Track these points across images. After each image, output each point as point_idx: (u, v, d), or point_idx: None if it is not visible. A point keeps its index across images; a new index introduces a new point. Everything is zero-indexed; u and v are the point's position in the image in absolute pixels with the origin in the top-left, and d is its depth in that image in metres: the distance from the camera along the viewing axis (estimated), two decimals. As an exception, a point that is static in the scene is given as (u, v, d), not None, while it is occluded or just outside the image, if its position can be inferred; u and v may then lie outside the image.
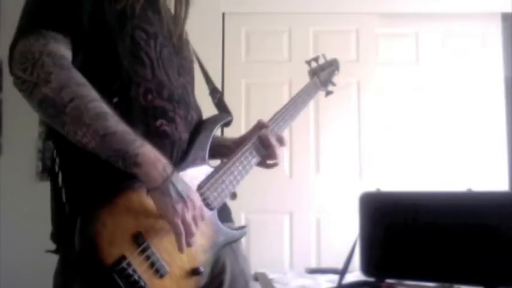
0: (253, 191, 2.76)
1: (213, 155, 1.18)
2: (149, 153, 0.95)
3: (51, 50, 0.94)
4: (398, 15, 3.13)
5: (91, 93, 0.94)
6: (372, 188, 1.98)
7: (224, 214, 1.17)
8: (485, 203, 1.72)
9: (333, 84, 1.61)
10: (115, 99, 1.01)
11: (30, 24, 0.97)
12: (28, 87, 0.93)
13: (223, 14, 3.08)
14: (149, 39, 1.07)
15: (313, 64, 1.57)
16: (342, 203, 2.88)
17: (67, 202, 1.02)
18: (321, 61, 1.58)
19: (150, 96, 1.05)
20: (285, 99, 3.02)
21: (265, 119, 1.31)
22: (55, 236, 1.04)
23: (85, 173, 1.00)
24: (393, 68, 3.13)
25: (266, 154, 1.24)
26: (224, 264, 1.13)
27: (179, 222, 0.95)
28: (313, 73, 1.55)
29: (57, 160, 1.05)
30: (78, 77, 0.95)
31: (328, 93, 1.61)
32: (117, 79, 1.03)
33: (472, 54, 3.16)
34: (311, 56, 3.34)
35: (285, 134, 1.32)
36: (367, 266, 1.86)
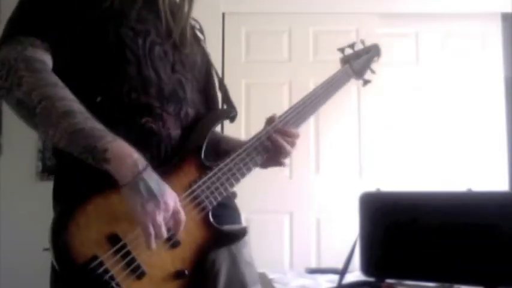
0: (253, 191, 2.76)
1: (222, 153, 1.15)
2: (119, 148, 0.93)
3: (26, 56, 0.96)
4: (398, 15, 3.13)
5: (60, 93, 0.95)
6: (372, 188, 1.98)
7: (227, 215, 1.15)
8: (485, 203, 1.72)
9: (373, 71, 1.47)
10: (98, 99, 1.02)
11: (10, 33, 1.00)
12: (3, 94, 0.96)
13: (223, 14, 3.08)
14: (136, 37, 1.06)
15: (348, 51, 1.42)
16: (342, 203, 2.87)
17: (56, 202, 1.04)
18: (358, 47, 1.45)
19: (134, 94, 1.04)
20: (285, 99, 3.07)
21: (265, 119, 1.30)
22: None
23: (67, 173, 1.01)
24: (393, 68, 3.12)
25: (273, 151, 1.17)
26: (220, 268, 1.09)
27: (148, 223, 0.91)
28: (346, 61, 1.41)
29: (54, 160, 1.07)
30: (50, 78, 0.96)
31: (366, 82, 1.47)
32: (100, 78, 1.04)
33: (472, 54, 3.16)
34: (311, 56, 3.33)
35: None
36: (367, 266, 1.86)
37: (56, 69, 1.00)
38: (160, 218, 0.92)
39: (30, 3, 1.03)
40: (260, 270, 2.44)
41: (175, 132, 1.08)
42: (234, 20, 3.10)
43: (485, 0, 3.11)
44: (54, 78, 0.97)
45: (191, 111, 1.13)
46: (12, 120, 3.23)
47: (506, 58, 3.17)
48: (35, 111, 0.93)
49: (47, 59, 0.99)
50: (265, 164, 1.20)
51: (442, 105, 3.12)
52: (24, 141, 2.86)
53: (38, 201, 2.87)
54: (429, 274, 1.76)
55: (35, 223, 2.80)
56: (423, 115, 3.12)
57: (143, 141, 1.01)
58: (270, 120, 1.20)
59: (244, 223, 1.26)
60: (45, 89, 0.94)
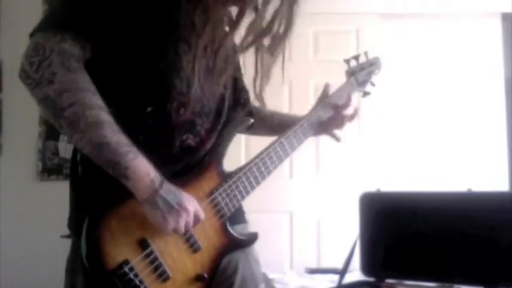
0: (254, 191, 2.75)
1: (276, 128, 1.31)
2: (139, 166, 0.95)
3: (63, 49, 0.93)
4: (398, 15, 3.13)
5: (92, 100, 0.93)
6: (372, 188, 1.98)
7: (237, 215, 1.17)
8: (485, 203, 1.72)
9: (373, 84, 1.50)
10: (149, 109, 1.03)
11: (52, 22, 0.96)
12: (31, 84, 0.92)
13: (223, 14, 3.08)
14: (190, 51, 1.05)
15: (353, 63, 1.45)
16: (342, 203, 2.87)
17: (82, 196, 1.05)
18: (362, 60, 1.47)
19: (182, 111, 1.05)
20: (285, 99, 3.06)
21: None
22: (70, 223, 1.07)
23: (98, 174, 1.00)
24: (393, 68, 3.13)
25: (333, 118, 1.38)
26: (237, 266, 1.13)
27: (171, 232, 0.97)
28: (351, 73, 1.44)
29: (79, 155, 1.06)
30: (83, 81, 0.94)
31: (366, 94, 1.50)
32: (154, 90, 1.03)
33: (472, 54, 3.16)
34: (311, 56, 3.32)
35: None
36: (367, 266, 1.86)
37: (105, 72, 0.99)
38: (181, 224, 0.97)
39: None
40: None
41: (209, 146, 1.12)
42: (234, 20, 3.09)
43: (485, 0, 3.11)
44: (88, 82, 0.94)
45: (222, 123, 1.16)
46: (12, 120, 3.22)
47: (506, 58, 3.17)
48: (62, 113, 0.91)
49: (81, 58, 0.96)
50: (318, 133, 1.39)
51: (442, 105, 3.12)
52: (24, 141, 2.86)
53: (38, 201, 2.89)
54: (429, 274, 1.76)
55: (35, 223, 2.81)
56: (423, 115, 3.13)
57: (180, 156, 1.06)
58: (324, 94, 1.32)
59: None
60: (77, 93, 0.92)
